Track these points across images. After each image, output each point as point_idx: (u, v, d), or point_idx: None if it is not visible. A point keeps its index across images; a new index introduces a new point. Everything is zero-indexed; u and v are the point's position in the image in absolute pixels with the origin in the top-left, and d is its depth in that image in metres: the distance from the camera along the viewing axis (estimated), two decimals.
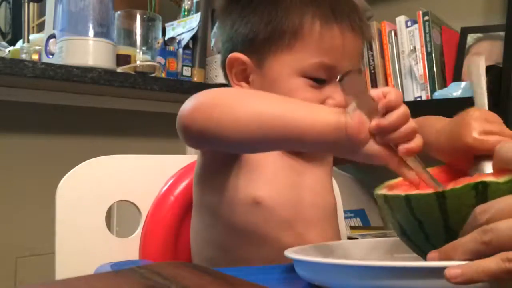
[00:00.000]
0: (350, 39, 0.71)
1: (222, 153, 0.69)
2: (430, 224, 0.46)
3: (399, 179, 0.53)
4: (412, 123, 0.49)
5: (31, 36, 1.73)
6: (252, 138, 0.57)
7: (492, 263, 0.36)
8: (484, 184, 0.43)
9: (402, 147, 0.49)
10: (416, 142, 0.49)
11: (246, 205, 0.69)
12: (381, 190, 0.51)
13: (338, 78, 0.47)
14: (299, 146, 0.57)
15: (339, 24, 0.70)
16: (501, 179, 0.43)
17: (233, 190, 0.70)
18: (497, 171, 0.45)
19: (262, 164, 0.71)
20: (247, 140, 0.57)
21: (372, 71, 1.49)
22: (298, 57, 0.70)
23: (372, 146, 0.49)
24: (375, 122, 0.49)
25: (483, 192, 0.43)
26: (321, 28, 0.70)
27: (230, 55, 0.74)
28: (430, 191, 0.46)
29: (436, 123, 0.63)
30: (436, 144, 0.60)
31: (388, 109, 0.48)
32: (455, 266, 0.37)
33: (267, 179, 0.71)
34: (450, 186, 0.45)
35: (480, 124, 0.53)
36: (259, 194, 0.70)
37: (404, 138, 0.49)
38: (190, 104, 0.61)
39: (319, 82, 0.70)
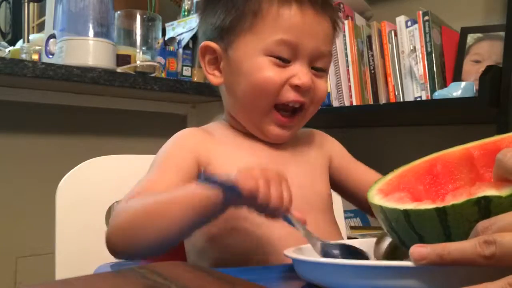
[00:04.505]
0: (311, 17, 0.72)
1: (195, 164, 0.72)
2: (432, 239, 0.44)
3: (389, 177, 0.53)
4: (273, 197, 0.56)
5: (31, 36, 1.73)
6: (169, 244, 0.63)
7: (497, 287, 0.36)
8: (487, 199, 0.42)
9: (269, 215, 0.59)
10: (280, 210, 0.57)
11: None
12: (375, 197, 0.50)
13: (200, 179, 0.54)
14: (200, 223, 0.62)
15: (298, 3, 0.71)
16: (504, 192, 0.42)
17: None
18: (498, 179, 0.44)
19: (236, 163, 0.72)
20: (168, 245, 0.63)
21: (372, 71, 1.49)
22: (260, 36, 0.72)
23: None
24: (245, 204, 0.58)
25: (486, 207, 0.42)
26: (278, 7, 0.71)
27: (201, 44, 0.77)
28: (429, 205, 0.45)
29: None
30: None
31: (250, 197, 0.55)
32: None
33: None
34: (450, 199, 0.44)
35: None
36: None
37: (271, 211, 0.57)
38: (108, 236, 0.63)
39: (282, 60, 0.72)
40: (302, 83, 0.71)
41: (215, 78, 0.77)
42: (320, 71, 0.75)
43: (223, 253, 0.71)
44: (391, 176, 0.53)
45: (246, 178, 0.55)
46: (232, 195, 0.56)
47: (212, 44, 0.76)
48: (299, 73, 0.71)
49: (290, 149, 0.78)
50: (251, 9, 0.72)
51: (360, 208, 0.86)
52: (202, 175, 0.54)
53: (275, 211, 0.57)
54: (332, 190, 0.86)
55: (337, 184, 0.84)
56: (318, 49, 0.73)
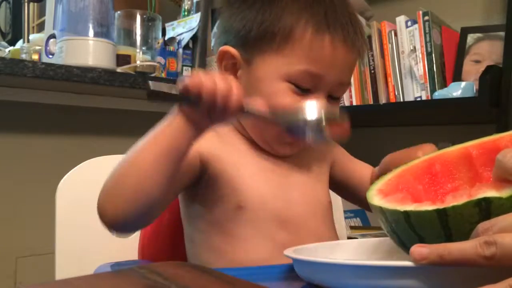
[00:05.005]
0: (341, 51, 0.70)
1: (197, 170, 0.71)
2: (432, 240, 0.44)
3: (388, 177, 0.53)
4: (220, 87, 0.57)
5: (31, 36, 1.73)
6: (156, 189, 0.60)
7: None
8: (487, 200, 0.42)
9: (228, 113, 0.58)
10: (233, 102, 0.58)
11: (230, 211, 0.70)
12: (374, 197, 0.50)
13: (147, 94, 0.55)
14: (182, 154, 0.62)
15: (331, 34, 0.69)
16: (504, 194, 0.42)
17: (216, 199, 0.71)
18: (497, 180, 0.44)
19: (240, 170, 0.72)
20: (155, 193, 0.60)
21: (372, 71, 1.49)
22: (286, 61, 0.69)
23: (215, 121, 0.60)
24: (197, 109, 0.58)
25: (486, 208, 0.42)
26: (312, 36, 0.69)
27: (221, 48, 0.74)
28: (429, 206, 0.45)
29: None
30: (386, 160, 0.72)
31: (199, 96, 0.56)
32: None
33: (247, 183, 0.71)
34: (450, 200, 0.44)
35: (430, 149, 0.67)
36: (241, 199, 0.70)
37: (224, 106, 0.57)
38: (97, 208, 0.62)
39: (302, 90, 0.70)
40: None
41: None
42: (335, 99, 0.74)
43: (230, 265, 0.70)
44: (390, 176, 0.53)
45: (187, 80, 0.57)
46: (182, 99, 0.57)
47: (232, 51, 0.73)
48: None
49: (294, 158, 0.78)
50: (283, 30, 0.69)
51: (362, 207, 0.86)
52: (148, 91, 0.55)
53: (228, 103, 0.57)
54: (334, 194, 0.86)
55: (338, 185, 0.84)
56: (340, 81, 0.72)
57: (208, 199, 0.72)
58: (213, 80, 0.57)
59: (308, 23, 0.69)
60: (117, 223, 0.61)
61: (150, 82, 0.55)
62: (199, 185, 0.72)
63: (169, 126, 0.60)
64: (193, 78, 0.57)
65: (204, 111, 0.58)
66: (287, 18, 0.69)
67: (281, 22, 0.70)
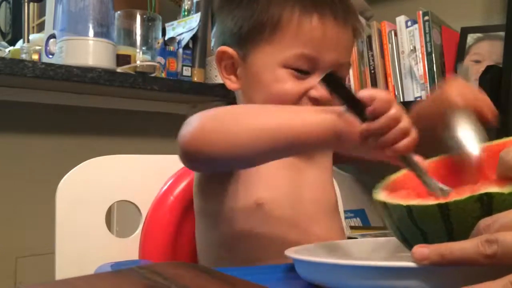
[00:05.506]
0: (333, 30, 0.70)
1: None
2: (434, 235, 0.44)
3: (398, 175, 0.53)
4: (404, 123, 0.51)
5: (31, 36, 1.73)
6: (256, 154, 0.58)
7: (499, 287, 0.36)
8: (489, 196, 0.42)
9: (390, 149, 0.51)
10: (405, 142, 0.51)
11: (248, 208, 0.70)
12: (380, 193, 0.51)
13: (321, 77, 0.50)
14: (297, 152, 0.61)
15: (319, 14, 0.69)
16: (506, 189, 0.42)
17: (234, 195, 0.71)
18: (500, 177, 0.44)
19: (260, 166, 0.72)
20: (251, 157, 0.59)
21: (372, 71, 1.49)
22: (279, 48, 0.70)
23: (365, 146, 0.53)
24: (365, 126, 0.51)
25: (488, 203, 0.42)
26: (300, 18, 0.69)
27: (218, 49, 0.76)
28: (432, 201, 0.45)
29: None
30: (417, 109, 0.66)
31: (377, 114, 0.50)
32: None
33: (267, 179, 0.71)
34: (453, 195, 0.44)
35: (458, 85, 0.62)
36: (260, 196, 0.70)
37: (393, 140, 0.51)
38: (190, 132, 0.60)
39: (302, 72, 0.70)
40: (321, 96, 0.69)
41: (231, 83, 0.76)
42: None
43: (243, 263, 0.70)
44: (396, 176, 0.54)
45: (379, 94, 0.50)
46: (353, 109, 0.51)
47: (229, 50, 0.74)
48: (318, 85, 0.69)
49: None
50: (271, 19, 0.70)
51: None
52: (328, 74, 0.49)
53: (398, 138, 0.51)
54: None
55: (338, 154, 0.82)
56: (338, 61, 0.71)
57: (228, 194, 0.71)
58: (400, 109, 0.52)
59: (294, 6, 0.70)
60: (197, 159, 0.60)
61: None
62: (221, 176, 0.72)
63: (315, 118, 0.55)
64: (383, 95, 0.51)
65: (368, 131, 0.51)
66: (274, 7, 0.71)
67: (268, 12, 0.71)
